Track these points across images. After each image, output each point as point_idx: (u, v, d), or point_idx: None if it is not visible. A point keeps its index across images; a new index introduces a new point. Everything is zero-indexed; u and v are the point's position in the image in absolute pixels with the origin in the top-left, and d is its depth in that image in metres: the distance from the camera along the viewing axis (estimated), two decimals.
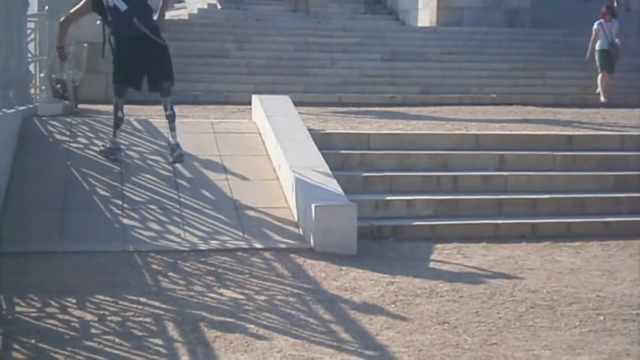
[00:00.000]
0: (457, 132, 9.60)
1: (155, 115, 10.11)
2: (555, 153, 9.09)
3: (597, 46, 14.83)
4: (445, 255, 7.10)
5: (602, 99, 14.53)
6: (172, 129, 8.10)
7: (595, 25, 14.98)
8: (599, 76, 14.85)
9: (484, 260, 6.95)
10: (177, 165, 8.15)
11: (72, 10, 8.17)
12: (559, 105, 14.04)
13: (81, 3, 8.08)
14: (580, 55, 16.15)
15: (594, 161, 9.14)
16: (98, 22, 8.09)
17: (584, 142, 9.51)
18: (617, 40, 14.78)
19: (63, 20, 8.20)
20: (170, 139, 8.12)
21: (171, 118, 8.10)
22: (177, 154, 8.03)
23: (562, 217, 8.19)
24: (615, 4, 23.01)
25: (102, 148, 8.26)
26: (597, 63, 14.85)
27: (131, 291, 5.67)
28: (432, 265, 6.79)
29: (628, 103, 14.39)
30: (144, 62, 7.93)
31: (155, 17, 8.12)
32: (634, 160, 9.23)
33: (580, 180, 8.80)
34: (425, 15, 18.56)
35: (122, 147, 8.36)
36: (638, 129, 10.45)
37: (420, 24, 18.59)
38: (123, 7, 7.76)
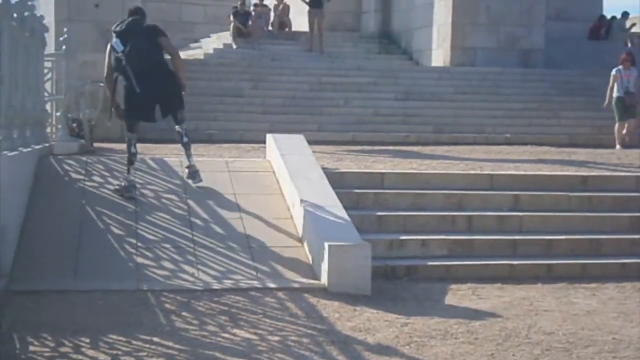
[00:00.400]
0: (472, 171, 9.59)
1: (170, 154, 10.17)
2: (570, 194, 9.06)
3: (614, 93, 14.76)
4: (460, 296, 7.05)
5: (617, 146, 14.41)
6: (189, 155, 8.56)
7: (613, 72, 14.90)
8: (616, 125, 14.71)
9: (499, 301, 6.90)
10: (192, 204, 8.17)
11: (105, 64, 8.44)
12: (573, 146, 14.02)
13: (106, 53, 8.43)
14: (594, 96, 16.17)
15: (609, 202, 9.10)
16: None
17: (599, 183, 9.47)
18: (632, 89, 14.68)
19: (106, 77, 8.51)
20: (187, 161, 8.58)
21: (187, 145, 8.52)
22: (193, 171, 8.50)
23: (578, 258, 8.13)
24: (629, 45, 23.13)
25: (116, 187, 8.31)
26: (615, 111, 14.76)
27: (144, 331, 5.66)
28: (446, 306, 6.74)
29: None
30: (152, 94, 8.20)
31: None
32: None
33: (596, 221, 8.75)
34: (439, 56, 18.66)
35: (137, 185, 8.39)
36: None
37: (434, 64, 18.69)
38: (120, 47, 8.18)
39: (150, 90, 8.13)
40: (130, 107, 8.26)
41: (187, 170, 8.59)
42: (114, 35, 8.35)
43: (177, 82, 8.33)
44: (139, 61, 8.10)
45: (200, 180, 8.51)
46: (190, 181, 8.53)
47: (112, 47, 8.26)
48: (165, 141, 11.38)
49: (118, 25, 8.41)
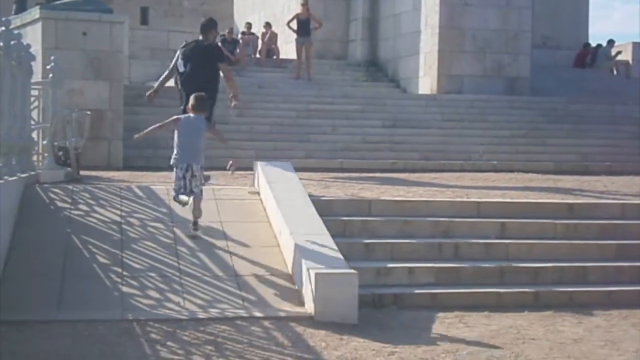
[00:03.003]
0: (458, 199, 9.60)
1: (157, 182, 10.15)
2: (556, 221, 9.08)
3: None
4: (447, 324, 7.04)
5: None
6: None
7: None
8: None
9: (486, 329, 6.88)
10: (178, 233, 8.14)
11: (169, 68, 10.12)
12: (560, 173, 14.07)
13: (172, 62, 10.01)
14: (580, 123, 16.29)
15: (595, 230, 9.12)
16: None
17: (585, 211, 9.50)
18: None
19: (163, 76, 10.22)
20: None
21: None
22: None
23: (565, 286, 8.14)
24: (615, 73, 23.33)
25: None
26: None
27: None
28: (433, 334, 6.72)
29: (629, 171, 14.44)
30: None
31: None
32: (636, 229, 9.21)
33: (582, 248, 8.78)
34: (426, 83, 18.75)
35: (123, 214, 8.37)
36: (639, 197, 10.44)
37: (421, 92, 18.77)
38: (181, 68, 9.79)
39: None
40: None
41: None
42: (180, 53, 9.83)
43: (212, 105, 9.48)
44: (191, 86, 9.31)
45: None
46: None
47: (175, 64, 9.85)
48: (152, 169, 11.37)
49: (185, 45, 9.90)
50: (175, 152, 8.06)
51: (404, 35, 19.76)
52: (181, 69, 9.75)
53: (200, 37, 10.05)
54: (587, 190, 11.16)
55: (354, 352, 6.07)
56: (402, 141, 16.02)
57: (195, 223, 8.16)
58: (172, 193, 8.20)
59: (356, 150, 15.38)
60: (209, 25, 10.07)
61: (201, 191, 8.18)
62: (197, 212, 8.12)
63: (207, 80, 9.59)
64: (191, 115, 8.19)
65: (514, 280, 8.16)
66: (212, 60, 9.81)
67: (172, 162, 8.10)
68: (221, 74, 10.05)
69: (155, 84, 10.39)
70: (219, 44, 19.46)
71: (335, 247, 7.59)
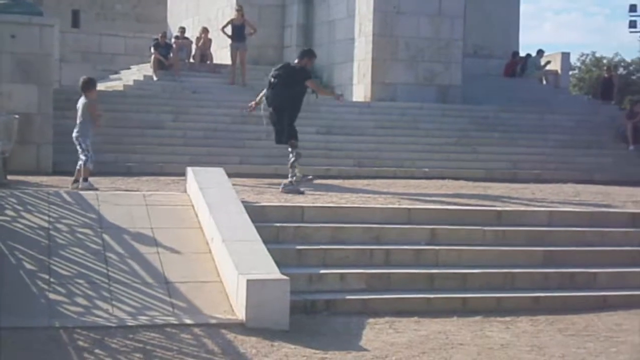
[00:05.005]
0: (390, 206, 9.69)
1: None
2: (485, 228, 9.23)
3: None
4: (378, 330, 7.09)
5: None
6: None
7: None
8: None
9: (415, 335, 6.96)
10: (107, 238, 8.03)
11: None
12: (490, 180, 14.32)
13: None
14: (510, 132, 16.58)
15: (523, 236, 9.30)
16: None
17: (513, 218, 9.68)
18: None
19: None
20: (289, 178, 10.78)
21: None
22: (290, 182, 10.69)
23: (493, 291, 8.27)
24: (544, 82, 23.83)
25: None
26: None
27: None
28: (364, 340, 6.76)
29: (557, 179, 14.77)
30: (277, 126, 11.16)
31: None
32: (562, 236, 9.42)
33: (510, 255, 8.93)
34: (360, 91, 18.88)
35: (51, 219, 8.23)
36: (566, 205, 10.69)
37: (355, 99, 18.88)
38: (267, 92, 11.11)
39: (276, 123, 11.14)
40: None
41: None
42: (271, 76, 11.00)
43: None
44: (272, 103, 11.03)
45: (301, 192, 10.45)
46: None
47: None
48: (109, 174, 11.22)
49: (275, 69, 11.08)
50: None
51: (338, 42, 19.87)
52: (267, 92, 11.17)
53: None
54: (516, 197, 11.38)
55: (285, 359, 6.08)
56: (336, 148, 16.10)
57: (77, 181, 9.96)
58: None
59: None
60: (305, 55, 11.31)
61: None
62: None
63: (285, 97, 11.03)
64: None
65: (443, 286, 8.27)
66: (298, 80, 11.04)
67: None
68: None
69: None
70: (151, 48, 19.40)
71: (267, 253, 7.58)
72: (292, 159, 11.03)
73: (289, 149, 11.13)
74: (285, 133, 11.09)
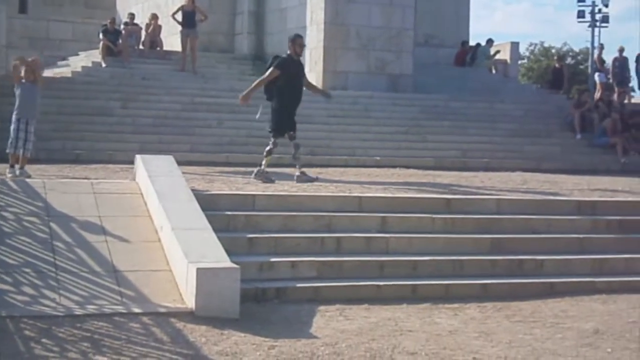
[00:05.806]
0: (341, 194, 9.71)
1: (33, 174, 9.85)
2: (434, 216, 9.30)
3: None
4: (328, 317, 7.11)
5: None
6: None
7: None
8: None
9: (365, 322, 6.99)
10: (54, 227, 7.92)
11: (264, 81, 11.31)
12: (440, 169, 14.43)
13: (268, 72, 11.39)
14: (460, 120, 16.72)
15: (471, 224, 9.39)
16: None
17: (461, 206, 9.77)
18: None
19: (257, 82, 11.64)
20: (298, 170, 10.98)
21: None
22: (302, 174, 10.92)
23: (441, 279, 8.35)
24: (494, 72, 24.05)
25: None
26: None
27: (2, 359, 5.42)
28: (314, 328, 6.77)
29: (506, 167, 14.95)
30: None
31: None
32: (510, 224, 9.54)
33: (459, 242, 9.03)
34: (312, 79, 18.71)
35: None
36: (514, 193, 10.83)
37: None
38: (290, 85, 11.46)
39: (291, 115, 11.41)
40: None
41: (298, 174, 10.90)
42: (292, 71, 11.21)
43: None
44: (299, 97, 11.48)
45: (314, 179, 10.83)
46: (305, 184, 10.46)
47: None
48: (28, 161, 11.00)
49: (285, 62, 11.40)
50: None
51: (290, 30, 19.72)
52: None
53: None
54: (465, 185, 11.49)
55: (234, 347, 6.06)
56: None
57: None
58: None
59: (242, 145, 15.33)
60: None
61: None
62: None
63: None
64: None
65: (393, 274, 8.33)
66: (303, 75, 11.96)
67: None
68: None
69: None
70: (100, 34, 19.13)
71: (217, 241, 7.55)
72: (298, 149, 11.41)
73: (292, 140, 11.44)
74: (294, 124, 11.49)
